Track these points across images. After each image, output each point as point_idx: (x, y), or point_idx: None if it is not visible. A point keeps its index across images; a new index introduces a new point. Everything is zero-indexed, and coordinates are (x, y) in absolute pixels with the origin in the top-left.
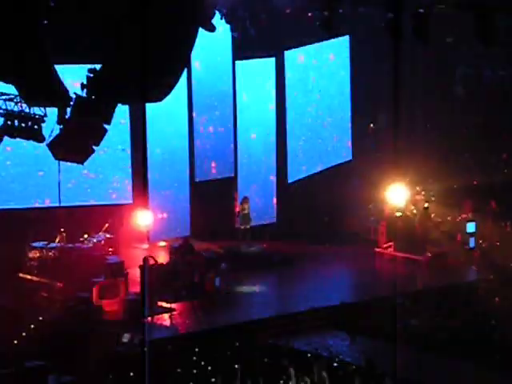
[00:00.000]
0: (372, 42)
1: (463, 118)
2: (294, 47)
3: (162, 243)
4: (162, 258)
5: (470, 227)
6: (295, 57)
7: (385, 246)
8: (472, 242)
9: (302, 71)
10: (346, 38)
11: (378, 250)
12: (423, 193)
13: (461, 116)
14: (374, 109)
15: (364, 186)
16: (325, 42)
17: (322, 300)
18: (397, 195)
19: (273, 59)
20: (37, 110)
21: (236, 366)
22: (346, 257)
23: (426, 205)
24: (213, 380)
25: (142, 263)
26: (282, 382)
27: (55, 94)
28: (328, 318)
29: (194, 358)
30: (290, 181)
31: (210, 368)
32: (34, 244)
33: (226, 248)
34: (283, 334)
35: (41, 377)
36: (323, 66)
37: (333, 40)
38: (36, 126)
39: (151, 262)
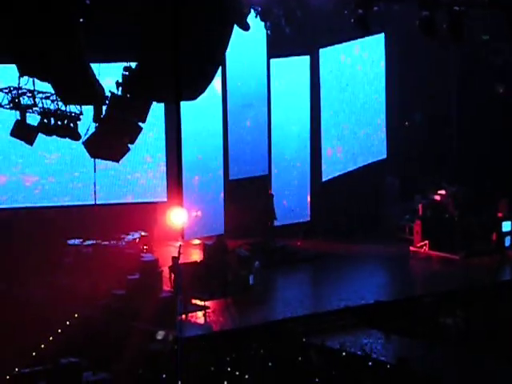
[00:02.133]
0: (407, 40)
1: (503, 116)
2: (329, 45)
3: (196, 241)
4: (196, 255)
5: (506, 226)
6: (330, 55)
7: (419, 244)
8: (508, 241)
9: (337, 69)
10: (381, 35)
11: (412, 248)
12: (458, 191)
13: (501, 114)
14: (408, 106)
15: (399, 184)
16: (359, 40)
17: (357, 299)
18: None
19: (307, 57)
20: (73, 108)
21: (269, 364)
22: (381, 255)
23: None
24: (246, 377)
25: (171, 263)
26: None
27: (91, 92)
28: (362, 316)
29: (228, 355)
30: (324, 179)
31: (243, 366)
32: (70, 242)
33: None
34: (317, 332)
35: (75, 374)
36: (358, 64)
37: (368, 38)
38: (72, 124)
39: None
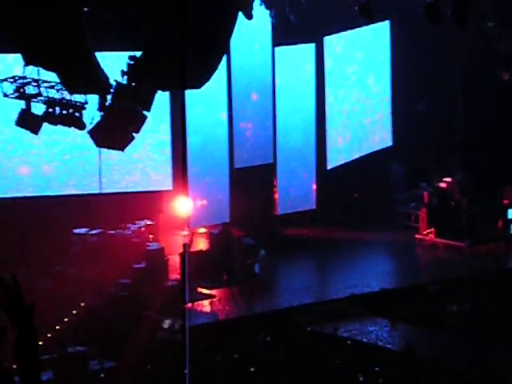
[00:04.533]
0: (412, 27)
1: (509, 103)
2: (334, 33)
3: (202, 230)
4: (202, 244)
5: (511, 213)
6: (335, 42)
7: (425, 232)
8: None
9: (342, 57)
10: (386, 22)
11: (418, 236)
12: (464, 179)
13: (507, 101)
14: (413, 95)
15: (404, 171)
16: (364, 28)
17: (363, 286)
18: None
19: (312, 45)
20: (78, 98)
21: (275, 352)
22: (387, 243)
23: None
24: (252, 366)
25: (182, 250)
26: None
27: (96, 81)
28: (368, 304)
29: (234, 344)
30: (329, 167)
31: (249, 354)
32: (76, 231)
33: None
34: (323, 320)
35: (82, 362)
36: (363, 51)
37: (373, 25)
38: (77, 114)
39: (190, 240)
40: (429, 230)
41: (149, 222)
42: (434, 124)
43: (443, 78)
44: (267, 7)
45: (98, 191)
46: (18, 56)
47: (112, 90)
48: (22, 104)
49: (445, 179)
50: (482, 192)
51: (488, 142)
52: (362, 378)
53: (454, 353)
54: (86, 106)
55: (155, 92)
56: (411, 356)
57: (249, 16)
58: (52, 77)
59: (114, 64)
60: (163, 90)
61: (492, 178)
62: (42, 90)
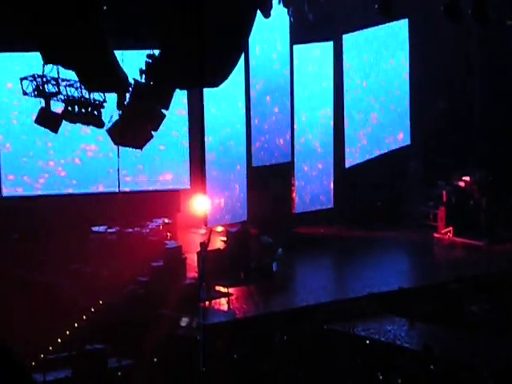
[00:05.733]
0: (431, 26)
1: None
2: (352, 31)
3: (219, 228)
4: (219, 242)
5: None
6: (353, 40)
7: (444, 231)
8: None
9: (361, 55)
10: (405, 21)
11: (436, 235)
12: (483, 178)
13: None
14: (432, 93)
15: (422, 170)
16: (383, 26)
17: (381, 285)
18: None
19: (331, 43)
20: (96, 96)
21: (293, 351)
22: (405, 242)
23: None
24: (270, 365)
25: (199, 248)
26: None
27: (114, 79)
28: (386, 303)
29: (251, 342)
30: (347, 166)
31: (266, 353)
32: (94, 229)
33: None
34: (340, 319)
35: (101, 360)
36: (381, 50)
37: (391, 23)
38: (96, 112)
39: (208, 237)
40: (447, 229)
41: (166, 221)
42: (452, 123)
43: (461, 76)
44: (285, 5)
45: (116, 189)
46: (38, 55)
47: (130, 89)
48: (41, 102)
49: (463, 178)
50: (500, 191)
51: (507, 141)
52: (381, 377)
53: (472, 351)
54: (104, 104)
55: (173, 90)
56: (429, 355)
57: (266, 15)
58: (71, 75)
59: (132, 62)
60: (181, 88)
61: (511, 177)
62: (61, 88)
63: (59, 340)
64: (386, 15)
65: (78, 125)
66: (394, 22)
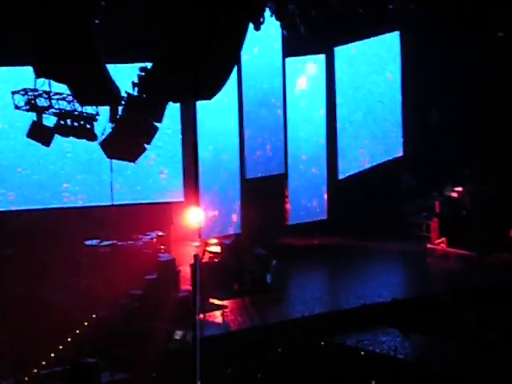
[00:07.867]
0: (422, 37)
1: None
2: (344, 43)
3: (213, 241)
4: (213, 255)
5: None
6: (345, 53)
7: (437, 241)
8: None
9: (353, 67)
10: (397, 33)
11: (430, 245)
12: (476, 189)
13: None
14: (425, 105)
15: (415, 181)
16: (375, 38)
17: (374, 296)
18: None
19: (323, 56)
20: (89, 109)
21: (287, 362)
22: (398, 253)
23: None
24: (264, 377)
25: (193, 261)
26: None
27: (107, 93)
28: (380, 314)
29: (246, 355)
30: (340, 177)
31: (261, 365)
32: (87, 242)
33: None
34: (335, 330)
35: (94, 374)
36: (373, 62)
37: (383, 36)
38: (88, 125)
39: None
40: (440, 240)
41: (160, 233)
42: (444, 134)
43: (454, 88)
44: (277, 18)
45: (109, 203)
46: (29, 68)
47: (123, 102)
48: (33, 116)
49: (456, 189)
50: (493, 202)
51: (500, 152)
52: None
53: (467, 363)
54: (97, 117)
55: (166, 103)
56: (423, 366)
57: (258, 27)
58: (63, 89)
59: (125, 75)
60: (174, 101)
61: (504, 187)
62: (53, 102)
63: (52, 354)
64: (379, 27)
65: (70, 138)
66: (386, 35)
